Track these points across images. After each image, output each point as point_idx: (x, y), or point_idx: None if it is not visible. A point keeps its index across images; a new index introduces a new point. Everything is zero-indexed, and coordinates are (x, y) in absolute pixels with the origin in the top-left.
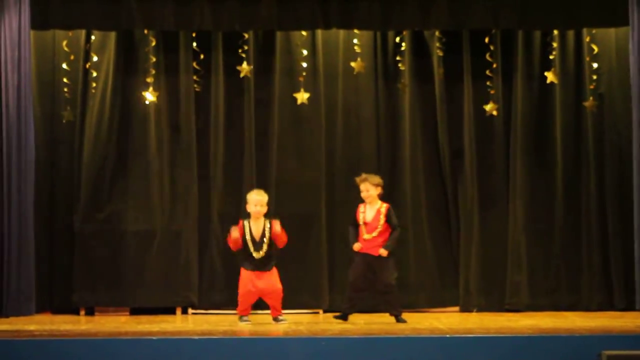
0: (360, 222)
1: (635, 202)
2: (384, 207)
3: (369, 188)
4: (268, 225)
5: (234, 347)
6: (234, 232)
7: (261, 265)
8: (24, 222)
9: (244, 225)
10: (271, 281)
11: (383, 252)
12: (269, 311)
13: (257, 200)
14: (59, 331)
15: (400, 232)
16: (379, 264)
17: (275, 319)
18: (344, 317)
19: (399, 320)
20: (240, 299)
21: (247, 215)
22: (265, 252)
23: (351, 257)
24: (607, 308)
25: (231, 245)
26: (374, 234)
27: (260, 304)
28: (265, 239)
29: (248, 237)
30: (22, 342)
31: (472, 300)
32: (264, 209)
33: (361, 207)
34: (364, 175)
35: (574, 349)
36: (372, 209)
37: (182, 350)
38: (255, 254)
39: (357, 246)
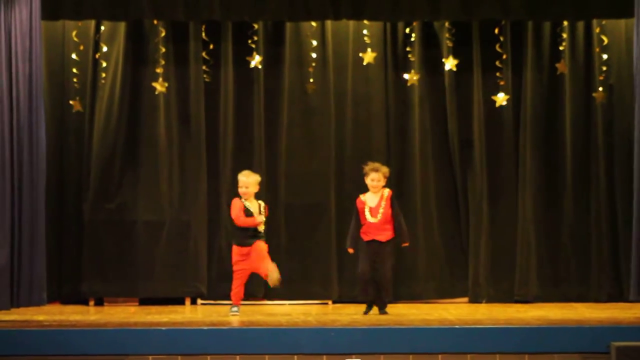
0: (365, 210)
1: (635, 193)
2: (386, 192)
3: (381, 178)
4: (262, 205)
5: (243, 338)
6: (259, 218)
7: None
8: (36, 212)
9: (244, 206)
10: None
11: (407, 244)
12: (278, 301)
13: (242, 181)
14: (68, 321)
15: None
16: (382, 251)
17: None
18: (370, 307)
19: (382, 312)
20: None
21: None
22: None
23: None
24: (616, 299)
25: (241, 220)
26: (379, 216)
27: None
28: (262, 214)
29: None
30: (32, 332)
31: (481, 291)
32: (252, 189)
33: (362, 197)
34: (376, 165)
35: (583, 340)
36: (374, 197)
37: (191, 340)
38: (260, 227)
39: (351, 250)
